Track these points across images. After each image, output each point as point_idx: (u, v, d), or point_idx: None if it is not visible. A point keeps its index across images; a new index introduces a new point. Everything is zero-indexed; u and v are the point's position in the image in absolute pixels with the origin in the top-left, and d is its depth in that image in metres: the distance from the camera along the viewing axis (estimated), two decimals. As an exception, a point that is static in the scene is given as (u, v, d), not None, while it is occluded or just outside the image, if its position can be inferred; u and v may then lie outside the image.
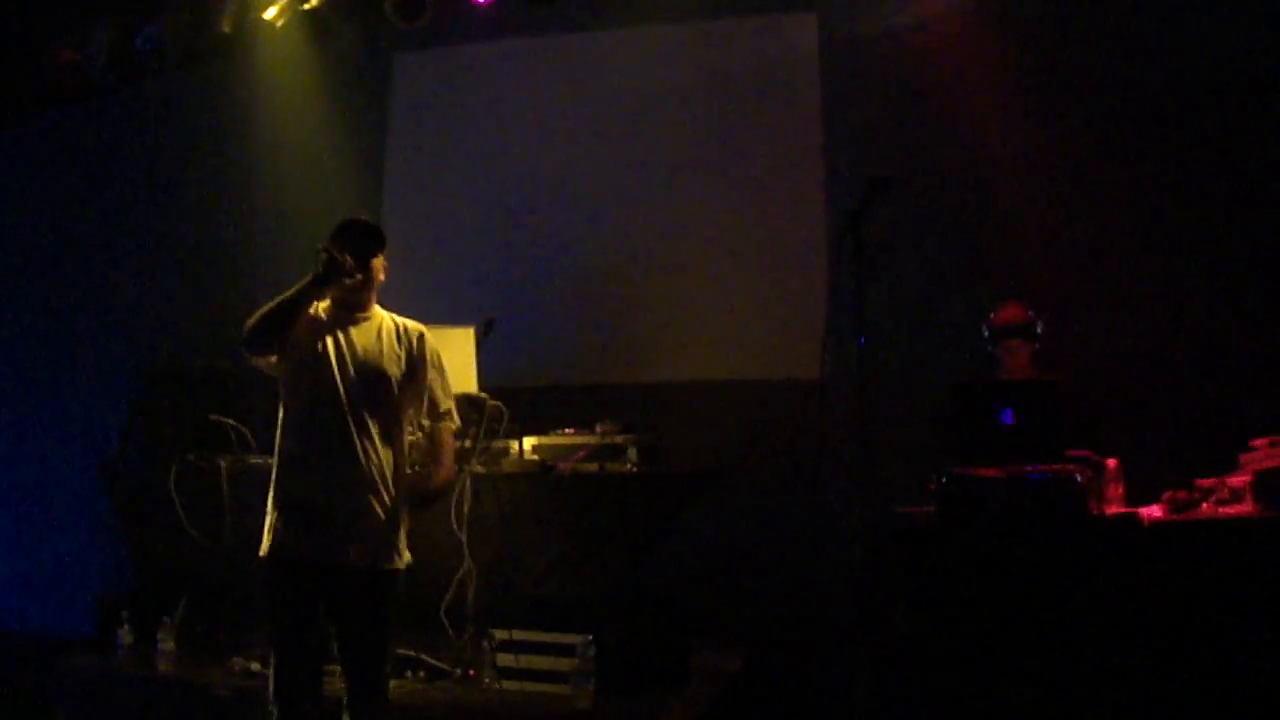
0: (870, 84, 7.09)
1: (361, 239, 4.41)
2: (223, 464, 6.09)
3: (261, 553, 4.30)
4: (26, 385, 8.69)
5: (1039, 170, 6.60)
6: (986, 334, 5.79)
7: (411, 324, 4.60)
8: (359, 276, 4.36)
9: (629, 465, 5.68)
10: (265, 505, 4.37)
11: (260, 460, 5.97)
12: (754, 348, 7.13)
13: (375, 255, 4.44)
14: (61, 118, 8.64)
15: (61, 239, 8.71)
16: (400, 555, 4.38)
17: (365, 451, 4.30)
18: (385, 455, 4.36)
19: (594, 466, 5.68)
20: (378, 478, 4.31)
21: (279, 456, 4.36)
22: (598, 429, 5.83)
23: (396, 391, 4.44)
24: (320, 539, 4.23)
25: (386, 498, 4.34)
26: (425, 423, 4.58)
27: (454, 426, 4.70)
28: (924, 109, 6.88)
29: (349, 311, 4.45)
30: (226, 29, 7.58)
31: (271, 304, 4.26)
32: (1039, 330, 5.74)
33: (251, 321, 4.25)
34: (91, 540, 7.90)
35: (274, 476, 4.37)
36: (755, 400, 6.85)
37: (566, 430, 5.95)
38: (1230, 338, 6.15)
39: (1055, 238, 6.52)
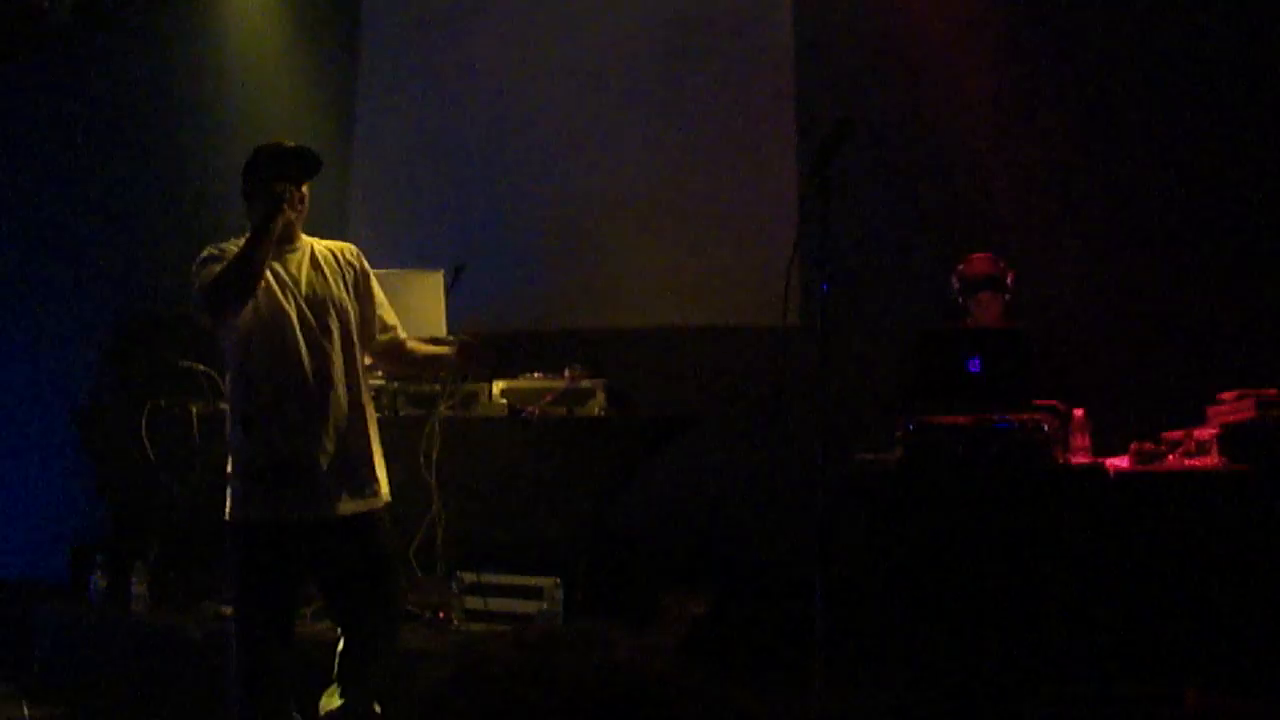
0: (843, 28, 7.06)
1: (302, 165, 4.07)
2: (194, 409, 6.07)
3: (228, 518, 4.00)
4: (-1, 333, 8.67)
5: (1011, 117, 6.61)
6: (956, 285, 5.76)
7: (343, 244, 4.34)
8: (301, 207, 4.06)
9: (597, 409, 5.69)
10: (226, 469, 4.05)
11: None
12: (724, 293, 7.13)
13: (309, 180, 4.12)
14: (29, 62, 8.57)
15: (30, 185, 8.65)
16: (382, 489, 4.17)
17: (335, 393, 4.03)
18: (354, 390, 4.10)
19: (561, 410, 5.69)
20: (353, 418, 4.07)
21: (238, 418, 4.01)
22: (566, 373, 5.83)
23: (351, 318, 4.17)
24: (303, 498, 3.96)
25: (364, 437, 4.13)
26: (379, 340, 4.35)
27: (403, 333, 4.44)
28: (897, 54, 6.86)
29: (280, 245, 4.06)
30: None
31: (229, 264, 3.87)
32: (1009, 282, 5.72)
33: (210, 286, 3.88)
34: (65, 486, 7.89)
35: (233, 440, 4.04)
36: (725, 346, 6.87)
37: (535, 375, 5.94)
38: (1199, 290, 6.18)
39: (1025, 186, 6.52)
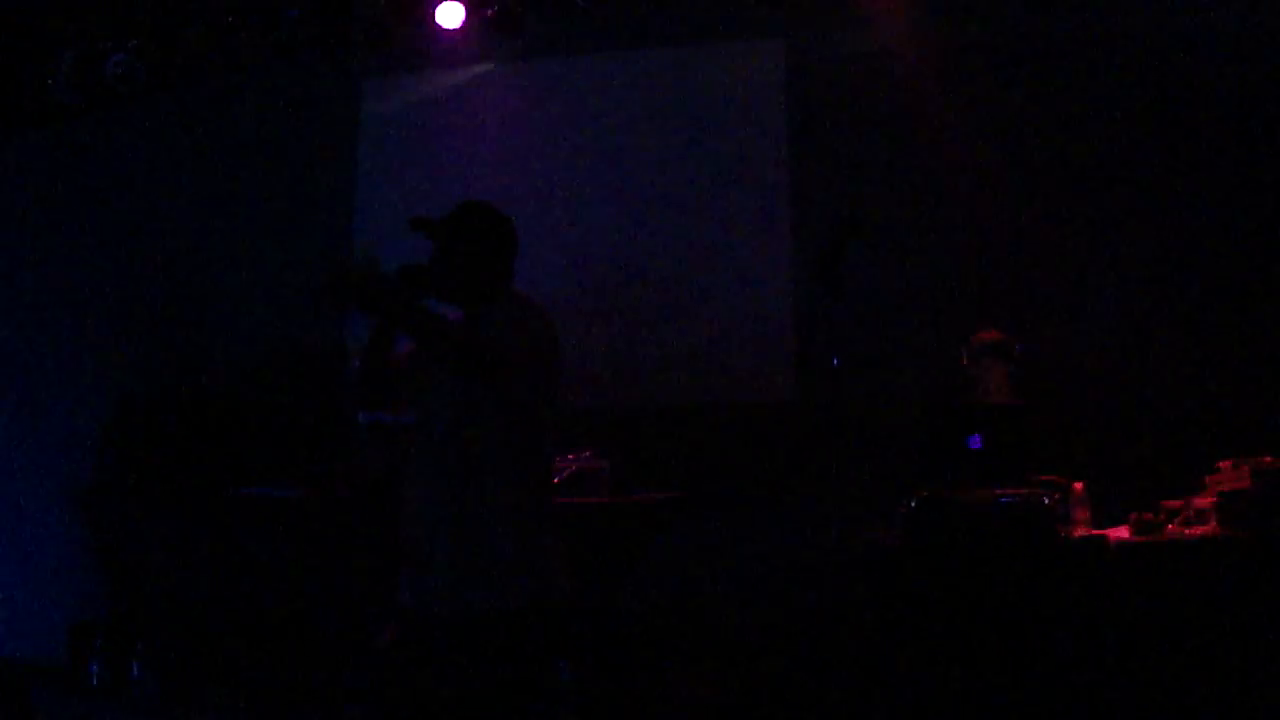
0: (838, 109, 7.13)
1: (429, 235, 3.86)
2: (197, 494, 6.08)
3: None
4: (1, 412, 8.64)
5: (1007, 195, 6.67)
6: (965, 356, 5.83)
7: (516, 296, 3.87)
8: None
9: (603, 492, 5.70)
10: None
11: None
12: (728, 371, 7.13)
13: (448, 242, 3.83)
14: (31, 142, 8.59)
15: (32, 265, 8.66)
16: (510, 592, 3.53)
17: (460, 478, 3.60)
18: (482, 475, 3.59)
19: (569, 493, 5.69)
20: (479, 505, 3.57)
21: None
22: (570, 457, 5.84)
23: (488, 392, 3.63)
24: (415, 590, 3.62)
25: (491, 529, 3.57)
26: None
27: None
28: (891, 134, 6.93)
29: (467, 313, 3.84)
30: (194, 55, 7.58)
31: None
32: (1017, 352, 5.79)
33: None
34: (63, 566, 7.86)
35: None
36: (731, 423, 6.88)
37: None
38: (1195, 361, 6.24)
39: (1024, 262, 6.58)
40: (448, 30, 7.41)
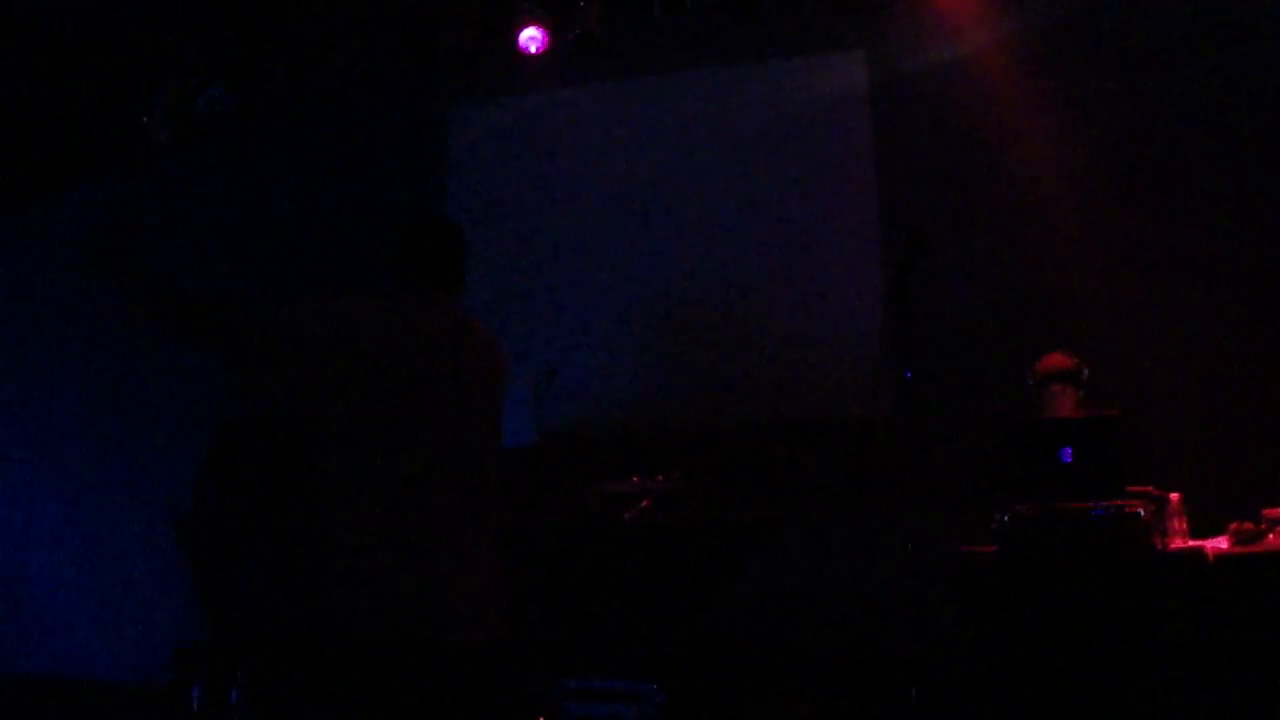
0: (921, 119, 7.12)
1: None
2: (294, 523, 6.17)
3: None
4: (104, 439, 8.85)
5: (1092, 203, 6.61)
6: (1031, 381, 5.72)
7: None
8: None
9: (693, 513, 5.71)
10: None
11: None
12: (815, 388, 7.11)
13: None
14: (126, 177, 8.82)
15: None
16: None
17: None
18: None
19: (658, 515, 5.72)
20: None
21: None
22: (660, 478, 5.86)
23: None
24: None
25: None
26: None
27: None
28: (975, 144, 6.90)
29: None
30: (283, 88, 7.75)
31: None
32: (1084, 376, 5.68)
33: None
34: (169, 593, 8.03)
35: None
36: (820, 440, 6.85)
37: (632, 478, 5.98)
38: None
39: (1115, 267, 6.51)
40: (532, 55, 7.51)
